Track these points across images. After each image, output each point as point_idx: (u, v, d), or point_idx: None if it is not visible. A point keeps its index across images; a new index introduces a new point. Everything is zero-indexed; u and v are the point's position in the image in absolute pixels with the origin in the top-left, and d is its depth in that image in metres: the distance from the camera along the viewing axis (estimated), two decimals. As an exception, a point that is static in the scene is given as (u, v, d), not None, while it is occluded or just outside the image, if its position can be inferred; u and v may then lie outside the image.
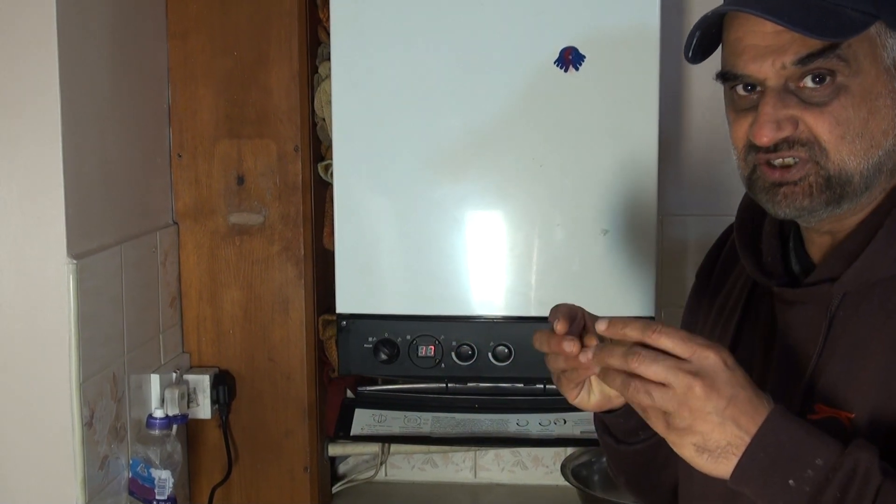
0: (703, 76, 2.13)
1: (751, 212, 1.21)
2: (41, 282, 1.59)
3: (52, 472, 1.62)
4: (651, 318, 1.83)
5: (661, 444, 1.26)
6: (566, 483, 2.03)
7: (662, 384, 0.96)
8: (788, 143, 1.04)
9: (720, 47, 1.11)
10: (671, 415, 0.96)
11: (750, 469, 0.95)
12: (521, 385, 2.06)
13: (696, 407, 0.95)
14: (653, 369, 0.96)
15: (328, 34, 1.90)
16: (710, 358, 0.96)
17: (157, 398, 1.90)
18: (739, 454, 0.95)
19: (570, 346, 1.07)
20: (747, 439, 0.95)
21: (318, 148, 2.06)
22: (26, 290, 1.59)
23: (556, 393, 2.02)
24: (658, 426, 0.98)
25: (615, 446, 1.29)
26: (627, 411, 1.22)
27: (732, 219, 1.24)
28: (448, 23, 1.85)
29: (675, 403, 0.95)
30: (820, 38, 1.00)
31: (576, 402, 1.17)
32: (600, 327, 1.01)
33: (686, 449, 0.97)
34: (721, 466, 0.96)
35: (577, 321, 1.10)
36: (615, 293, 1.86)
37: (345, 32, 1.86)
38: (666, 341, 0.97)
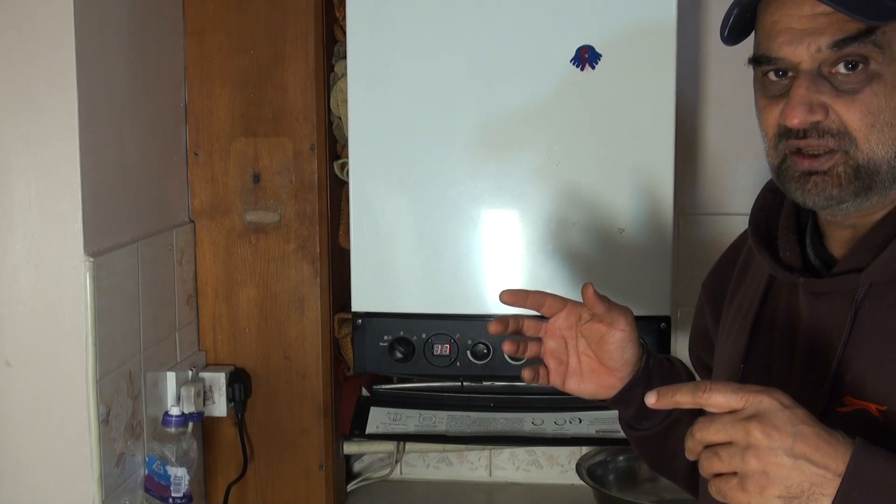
0: (721, 75, 2.12)
1: (765, 211, 1.21)
2: (58, 279, 1.60)
3: (68, 468, 1.63)
4: (668, 318, 1.85)
5: (668, 435, 1.32)
6: (581, 482, 2.03)
7: (729, 443, 0.93)
8: (818, 132, 1.03)
9: (752, 34, 1.11)
10: (743, 475, 0.92)
11: None
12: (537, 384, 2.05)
13: (761, 451, 0.91)
14: (712, 430, 0.94)
15: (344, 33, 1.90)
16: (763, 401, 0.93)
17: (173, 396, 1.90)
18: (830, 493, 0.91)
19: (508, 347, 1.25)
20: (830, 476, 0.91)
21: (333, 146, 2.07)
22: (44, 288, 1.60)
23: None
24: (739, 496, 0.93)
25: (627, 432, 1.37)
26: (621, 399, 1.29)
27: (748, 218, 1.23)
28: (464, 22, 1.84)
29: (741, 455, 0.92)
30: (860, 19, 0.99)
31: (566, 388, 1.29)
32: (650, 401, 0.99)
33: None
34: None
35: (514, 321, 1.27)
36: (631, 292, 1.86)
37: (360, 31, 1.86)
38: (718, 397, 0.94)
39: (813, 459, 0.91)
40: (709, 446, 0.95)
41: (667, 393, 0.98)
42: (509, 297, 1.25)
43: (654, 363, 1.32)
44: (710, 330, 1.36)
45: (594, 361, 1.28)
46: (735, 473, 0.93)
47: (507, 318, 1.26)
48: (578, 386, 1.28)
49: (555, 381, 1.28)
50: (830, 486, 0.91)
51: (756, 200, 1.23)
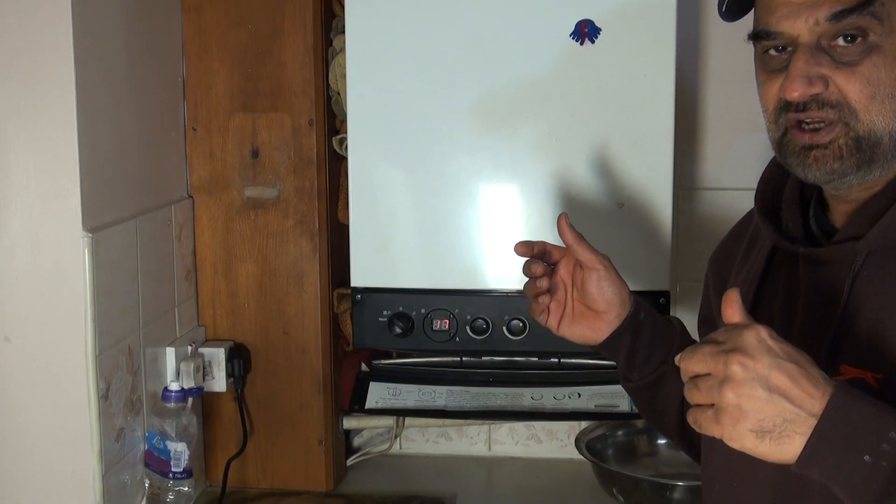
0: (721, 49, 2.11)
1: (771, 184, 1.21)
2: (57, 255, 1.60)
3: (68, 444, 1.64)
4: (667, 293, 1.85)
5: (658, 389, 1.36)
6: (580, 457, 2.03)
7: (709, 374, 0.94)
8: (818, 104, 1.03)
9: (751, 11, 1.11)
10: (719, 407, 0.92)
11: (821, 448, 0.91)
12: (536, 359, 2.06)
13: (737, 384, 0.91)
14: (693, 360, 0.95)
15: (342, 7, 1.89)
16: (742, 334, 0.93)
17: (173, 371, 1.91)
18: (804, 432, 0.91)
19: (536, 268, 1.33)
20: (804, 415, 0.91)
21: (332, 122, 2.06)
22: (42, 264, 1.60)
23: (571, 367, 2.05)
24: (713, 427, 0.94)
25: (623, 383, 1.42)
26: (610, 345, 1.34)
27: (748, 193, 1.24)
28: (463, -5, 1.83)
29: (718, 387, 0.92)
30: None
31: (560, 331, 1.35)
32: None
33: (746, 440, 0.92)
34: (785, 448, 0.92)
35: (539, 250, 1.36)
36: (630, 267, 1.85)
37: (359, 5, 1.85)
38: (713, 336, 0.96)
39: (789, 395, 0.91)
40: (694, 377, 0.96)
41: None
42: (522, 248, 1.35)
43: (647, 317, 1.35)
44: (713, 304, 1.36)
45: (581, 305, 1.34)
46: (713, 405, 0.94)
47: (532, 242, 1.37)
48: (570, 328, 1.35)
49: (551, 323, 1.35)
50: (804, 425, 0.91)
51: (763, 174, 1.23)
